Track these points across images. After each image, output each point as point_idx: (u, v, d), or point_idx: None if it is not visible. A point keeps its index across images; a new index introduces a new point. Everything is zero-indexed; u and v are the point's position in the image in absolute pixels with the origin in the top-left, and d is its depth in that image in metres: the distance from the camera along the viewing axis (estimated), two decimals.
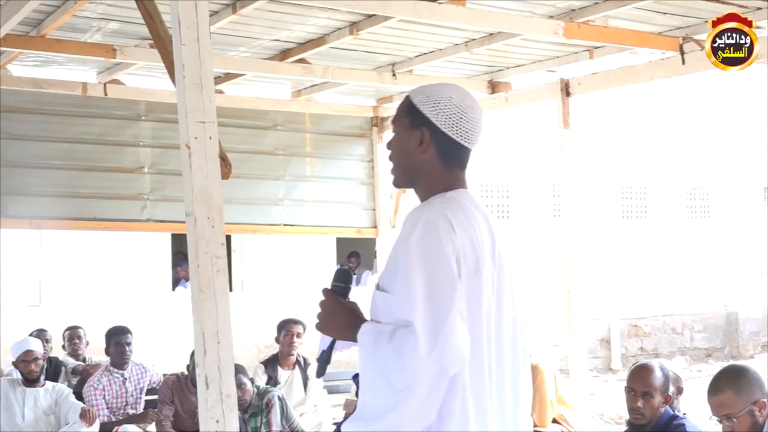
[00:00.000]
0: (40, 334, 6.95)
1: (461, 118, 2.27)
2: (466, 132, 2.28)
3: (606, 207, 14.10)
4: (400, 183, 2.38)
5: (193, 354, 5.93)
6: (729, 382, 3.26)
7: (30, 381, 5.85)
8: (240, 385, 5.37)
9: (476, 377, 2.14)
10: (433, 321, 2.04)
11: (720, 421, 3.23)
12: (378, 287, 2.25)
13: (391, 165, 2.38)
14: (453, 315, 2.05)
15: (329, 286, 2.35)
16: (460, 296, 2.09)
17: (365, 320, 2.25)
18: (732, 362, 3.54)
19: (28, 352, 5.86)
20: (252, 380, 5.82)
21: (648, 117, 14.54)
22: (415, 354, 2.01)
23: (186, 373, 6.06)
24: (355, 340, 2.21)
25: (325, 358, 2.34)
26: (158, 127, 7.21)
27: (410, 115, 2.30)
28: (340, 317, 2.28)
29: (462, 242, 2.13)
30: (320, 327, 2.31)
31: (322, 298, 2.32)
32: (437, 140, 2.26)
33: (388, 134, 8.15)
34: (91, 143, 7.03)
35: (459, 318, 2.06)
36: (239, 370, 5.54)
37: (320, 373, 2.37)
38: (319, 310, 2.32)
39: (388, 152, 2.39)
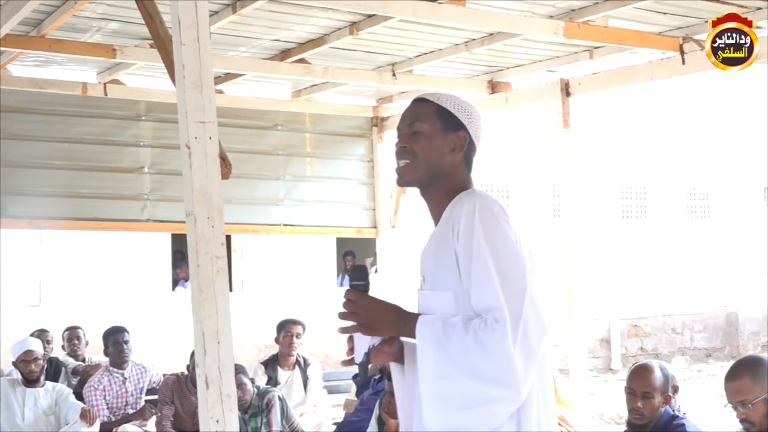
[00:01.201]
0: (41, 334, 6.95)
1: (481, 128, 2.40)
2: (481, 139, 2.41)
3: (606, 207, 14.11)
4: (416, 181, 2.36)
5: (193, 354, 5.95)
6: (747, 370, 3.29)
7: (30, 381, 5.85)
8: (240, 385, 5.38)
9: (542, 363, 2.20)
10: (513, 306, 2.06)
11: (735, 408, 3.26)
12: (423, 287, 2.28)
13: (403, 162, 2.36)
14: (528, 295, 2.08)
15: (349, 286, 2.28)
16: (531, 275, 2.13)
17: (412, 313, 2.23)
18: (753, 353, 3.61)
19: (28, 352, 5.86)
20: (252, 380, 5.82)
21: (648, 117, 14.54)
22: (504, 343, 2.03)
23: (186, 373, 6.06)
24: (407, 334, 2.20)
25: (365, 361, 2.27)
26: (158, 127, 7.21)
27: (443, 118, 2.35)
28: (387, 313, 2.23)
29: (516, 228, 2.21)
30: (365, 328, 2.23)
31: (350, 299, 2.24)
32: (468, 146, 2.37)
33: (389, 134, 8.21)
34: (91, 143, 7.02)
35: (536, 295, 2.10)
36: (239, 370, 5.55)
37: (363, 377, 2.30)
38: (348, 312, 2.23)
39: (396, 148, 2.38)
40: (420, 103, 2.39)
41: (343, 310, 2.25)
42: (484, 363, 2.04)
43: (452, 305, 2.17)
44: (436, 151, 2.33)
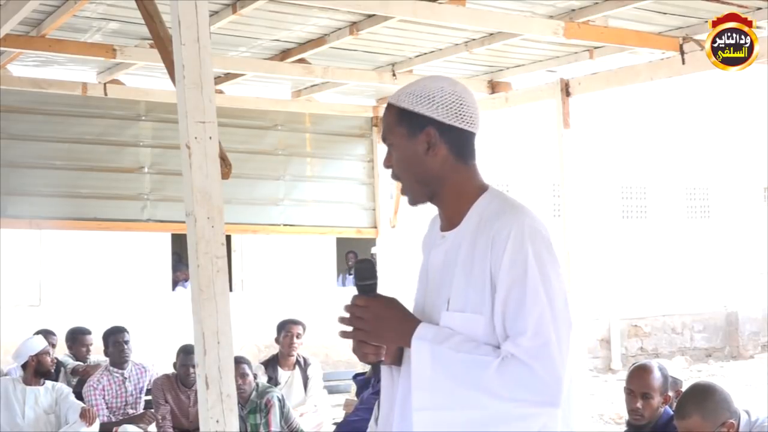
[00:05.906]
0: (46, 336, 6.80)
1: (461, 104, 2.06)
2: (471, 117, 2.07)
3: (606, 207, 14.11)
4: (418, 200, 2.11)
5: (179, 352, 5.99)
6: (695, 407, 3.26)
7: (43, 373, 5.84)
8: (242, 375, 5.47)
9: None
10: (560, 345, 1.91)
11: None
12: (447, 308, 2.02)
13: (398, 182, 2.14)
14: (570, 332, 1.95)
15: (355, 285, 2.08)
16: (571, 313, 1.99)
17: (428, 325, 2.01)
18: (699, 381, 3.58)
19: (45, 346, 5.90)
20: (255, 375, 5.83)
21: (648, 117, 14.55)
22: (555, 371, 1.88)
23: (175, 371, 6.08)
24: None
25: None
26: (158, 127, 7.21)
27: (404, 121, 2.06)
28: (397, 323, 2.02)
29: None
30: (369, 336, 2.03)
31: (358, 305, 2.03)
32: (446, 137, 2.04)
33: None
34: (91, 143, 7.02)
35: (572, 333, 1.96)
36: (243, 360, 5.64)
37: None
38: (352, 317, 2.03)
39: (387, 171, 2.14)
40: (387, 110, 2.11)
41: (344, 314, 2.05)
42: (523, 391, 1.87)
43: (482, 332, 1.96)
44: (412, 163, 2.06)
